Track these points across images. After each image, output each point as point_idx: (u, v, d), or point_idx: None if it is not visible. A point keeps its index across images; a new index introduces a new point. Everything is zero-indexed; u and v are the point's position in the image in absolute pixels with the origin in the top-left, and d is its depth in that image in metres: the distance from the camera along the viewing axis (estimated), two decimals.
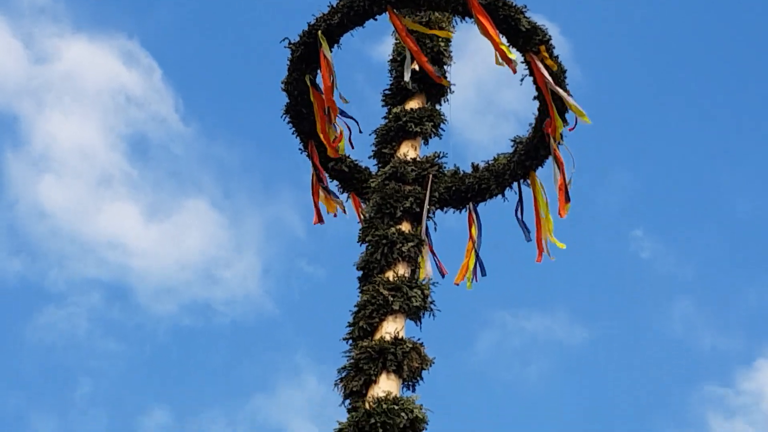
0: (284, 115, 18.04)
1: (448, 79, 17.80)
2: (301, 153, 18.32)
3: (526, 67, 17.07)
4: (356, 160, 18.21)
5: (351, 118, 17.83)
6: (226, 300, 38.65)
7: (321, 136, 17.49)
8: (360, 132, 17.85)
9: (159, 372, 38.21)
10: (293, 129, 18.13)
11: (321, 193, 18.33)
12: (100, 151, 39.55)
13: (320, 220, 18.56)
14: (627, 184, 40.60)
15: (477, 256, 17.63)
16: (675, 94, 42.32)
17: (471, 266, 17.57)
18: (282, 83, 17.85)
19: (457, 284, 17.55)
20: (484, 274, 17.75)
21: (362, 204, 18.10)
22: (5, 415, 36.13)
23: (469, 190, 17.58)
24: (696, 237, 40.50)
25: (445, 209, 17.53)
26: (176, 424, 36.41)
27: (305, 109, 17.76)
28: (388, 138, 17.36)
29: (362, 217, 17.85)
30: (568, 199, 17.25)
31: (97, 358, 37.54)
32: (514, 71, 16.64)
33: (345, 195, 18.51)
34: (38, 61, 40.72)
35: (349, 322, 15.59)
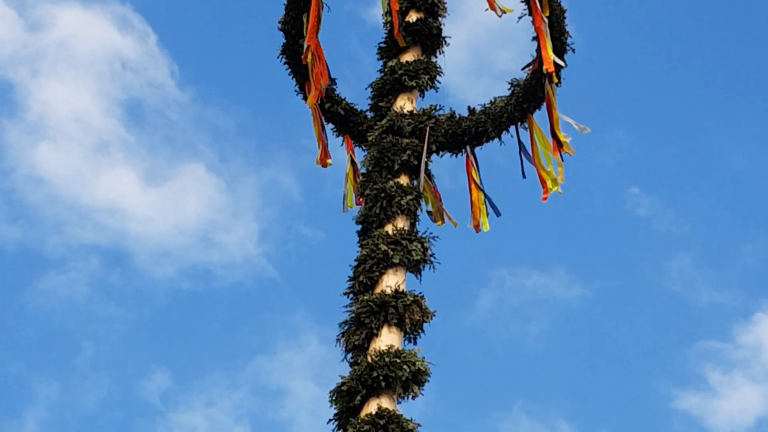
0: (280, 56, 17.89)
1: (443, 31, 17.69)
2: (297, 94, 18.22)
3: (525, 6, 16.94)
4: (352, 104, 18.06)
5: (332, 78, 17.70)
6: (225, 264, 38.74)
7: (311, 78, 17.32)
8: (335, 86, 17.71)
9: (159, 336, 38.41)
10: (289, 70, 17.98)
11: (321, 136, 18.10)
12: (96, 117, 39.55)
13: (326, 156, 18.32)
14: (622, 143, 40.68)
15: (486, 195, 17.49)
16: (668, 52, 42.39)
17: (482, 207, 17.43)
18: (279, 22, 17.76)
19: (477, 229, 17.36)
20: (498, 214, 17.63)
21: (355, 148, 18.00)
22: (7, 382, 36.27)
23: (465, 133, 17.38)
24: (692, 194, 40.62)
25: (441, 153, 17.37)
26: (177, 387, 36.59)
27: (301, 49, 17.55)
28: (384, 91, 17.31)
29: (350, 159, 17.86)
30: (559, 143, 17.13)
31: (98, 323, 37.68)
32: (499, 16, 16.55)
33: (340, 138, 18.35)
34: (32, 28, 40.67)
35: (349, 277, 15.62)
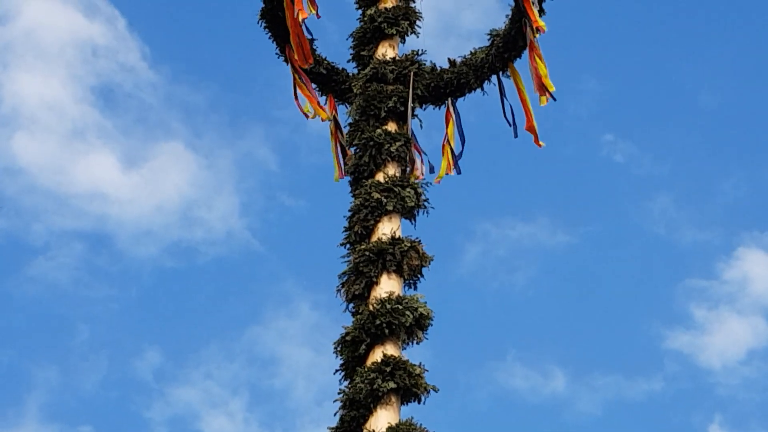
0: (260, 20, 17.77)
1: None
2: (278, 57, 18.05)
3: None
4: (333, 62, 17.94)
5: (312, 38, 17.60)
6: (208, 239, 38.79)
7: (293, 43, 17.22)
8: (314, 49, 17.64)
9: (148, 314, 38.43)
10: (269, 34, 17.83)
11: (305, 93, 17.96)
12: (69, 104, 39.42)
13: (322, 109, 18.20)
14: (594, 92, 40.82)
15: (452, 152, 17.47)
16: None
17: (449, 163, 17.41)
18: None
19: (438, 183, 17.37)
20: (458, 172, 17.62)
21: (338, 106, 17.92)
22: (4, 371, 36.27)
23: (447, 85, 17.31)
24: (666, 135, 40.86)
25: (424, 106, 17.28)
26: (171, 363, 36.66)
27: (281, 12, 17.42)
28: (365, 40, 17.21)
29: (331, 118, 17.75)
30: (545, 91, 17.07)
31: (91, 305, 37.67)
32: None
33: (323, 98, 18.22)
34: None
35: (344, 227, 15.59)
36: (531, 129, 17.39)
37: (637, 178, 40.25)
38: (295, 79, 17.89)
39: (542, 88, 17.05)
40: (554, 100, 17.15)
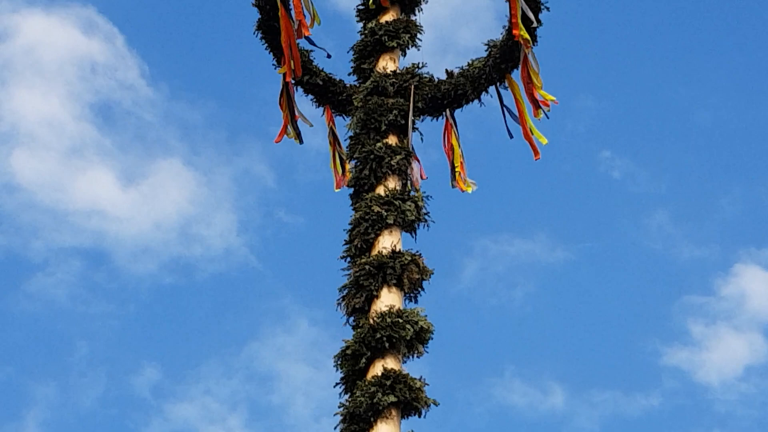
0: (256, 32, 17.75)
1: None
2: (275, 68, 18.01)
3: None
4: (330, 74, 17.93)
5: (319, 47, 17.60)
6: (206, 256, 38.81)
7: (288, 54, 17.18)
8: (329, 57, 17.65)
9: (146, 331, 38.40)
10: (266, 45, 17.81)
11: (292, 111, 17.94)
12: (68, 121, 39.45)
13: (297, 136, 18.15)
14: (592, 109, 40.91)
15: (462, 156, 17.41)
16: (628, 14, 42.57)
17: (464, 171, 17.36)
18: None
19: (463, 190, 17.25)
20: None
21: (335, 118, 17.89)
22: (3, 387, 36.21)
23: (445, 96, 17.28)
24: (663, 152, 40.98)
25: (421, 117, 17.24)
26: (169, 379, 36.62)
27: (277, 23, 17.42)
28: (366, 53, 17.21)
29: (330, 131, 17.72)
30: (537, 105, 17.04)
31: (90, 321, 37.65)
32: None
33: (320, 109, 18.20)
34: None
35: (344, 240, 15.55)
36: (529, 140, 17.34)
37: (635, 194, 40.37)
38: (282, 93, 17.88)
39: (535, 103, 17.05)
40: (547, 117, 17.15)
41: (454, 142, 17.32)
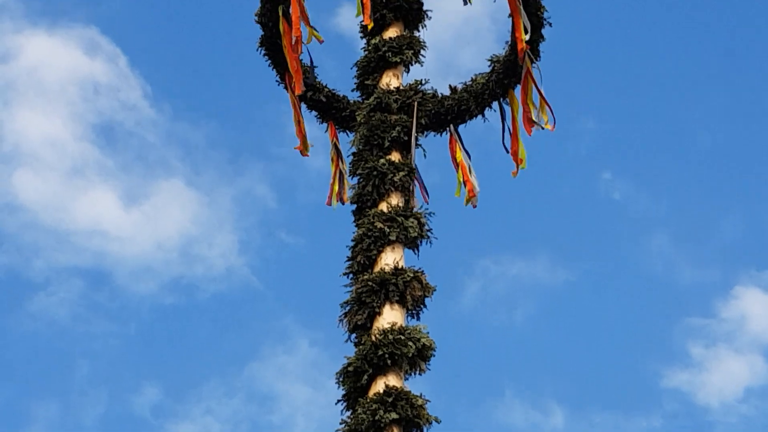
0: (259, 48, 17.75)
1: (423, 3, 17.58)
2: (279, 84, 18.04)
3: None
4: (334, 90, 17.91)
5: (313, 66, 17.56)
6: (208, 276, 38.81)
7: (291, 71, 17.19)
8: (315, 77, 17.58)
9: (147, 351, 38.38)
10: (269, 61, 17.82)
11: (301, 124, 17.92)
12: (70, 142, 39.49)
13: (305, 148, 18.13)
14: (592, 131, 40.96)
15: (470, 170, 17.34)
16: (629, 36, 42.72)
17: (475, 184, 17.29)
18: (255, 15, 17.59)
19: (474, 205, 17.20)
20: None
21: (339, 134, 17.85)
22: (4, 406, 36.13)
23: (448, 112, 17.27)
24: (664, 175, 41.06)
25: (425, 133, 17.22)
26: (170, 399, 36.57)
27: (280, 40, 17.48)
28: (370, 69, 17.18)
29: (333, 146, 17.71)
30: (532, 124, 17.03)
31: (91, 340, 37.63)
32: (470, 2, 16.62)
33: (324, 125, 18.16)
34: (1, 60, 40.55)
35: (347, 257, 15.49)
36: (514, 154, 17.31)
37: (635, 216, 40.39)
38: (294, 105, 17.84)
39: (529, 122, 17.04)
40: (542, 127, 17.08)
41: (459, 156, 17.27)
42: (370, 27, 17.18)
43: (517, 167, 17.35)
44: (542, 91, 17.01)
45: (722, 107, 41.74)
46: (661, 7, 42.73)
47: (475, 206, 17.12)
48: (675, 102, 41.88)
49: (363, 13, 16.88)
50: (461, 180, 17.13)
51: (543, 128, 17.05)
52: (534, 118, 16.94)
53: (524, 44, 16.48)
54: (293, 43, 16.91)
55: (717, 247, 39.94)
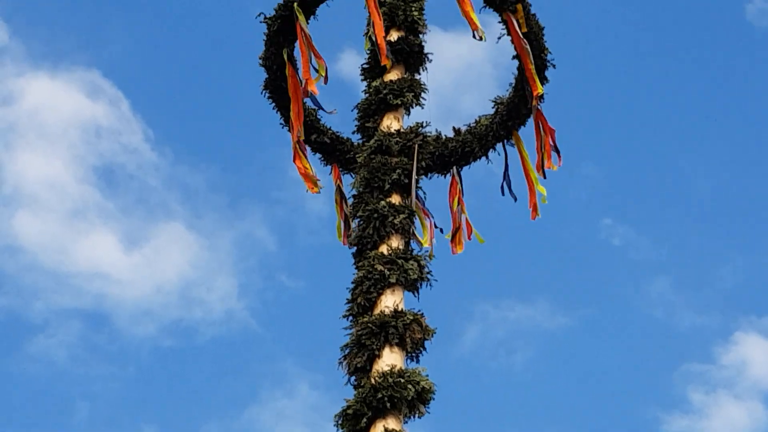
0: (263, 91, 17.82)
1: (424, 46, 17.61)
2: (283, 127, 18.09)
3: (504, 26, 16.96)
4: (338, 132, 18.02)
5: (322, 108, 17.60)
6: (207, 319, 38.82)
7: (293, 116, 17.25)
8: (332, 113, 17.62)
9: (147, 393, 38.29)
10: (273, 104, 17.91)
11: (304, 164, 17.90)
12: (70, 184, 39.57)
13: (314, 185, 18.13)
14: (592, 176, 41.08)
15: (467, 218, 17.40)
16: (628, 84, 42.92)
17: (470, 228, 17.34)
18: (260, 58, 17.68)
19: (456, 254, 17.28)
20: (468, 238, 17.55)
21: (343, 176, 17.87)
22: None
23: (452, 154, 17.32)
24: (664, 220, 41.22)
25: (429, 175, 17.28)
26: None
27: (284, 83, 17.59)
28: (370, 112, 17.18)
29: (337, 189, 17.79)
30: (558, 154, 17.13)
31: (90, 383, 37.57)
32: (481, 37, 16.61)
33: (328, 167, 18.21)
34: (3, 102, 40.69)
35: (347, 299, 15.47)
36: (532, 196, 17.40)
37: (635, 262, 40.47)
38: (296, 149, 17.85)
39: (541, 167, 17.12)
40: (544, 177, 17.18)
41: (455, 201, 17.30)
42: (389, 66, 17.22)
43: (534, 212, 17.41)
44: (554, 133, 17.12)
45: (722, 153, 41.96)
46: (660, 54, 43.03)
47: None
48: (675, 148, 42.10)
49: (380, 55, 16.90)
50: (469, 228, 17.23)
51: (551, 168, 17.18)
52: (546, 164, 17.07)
53: (540, 90, 16.59)
54: (302, 86, 16.98)
55: (717, 293, 40.02)
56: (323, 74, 16.77)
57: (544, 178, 17.46)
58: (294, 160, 17.80)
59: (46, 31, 43.00)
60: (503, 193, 17.70)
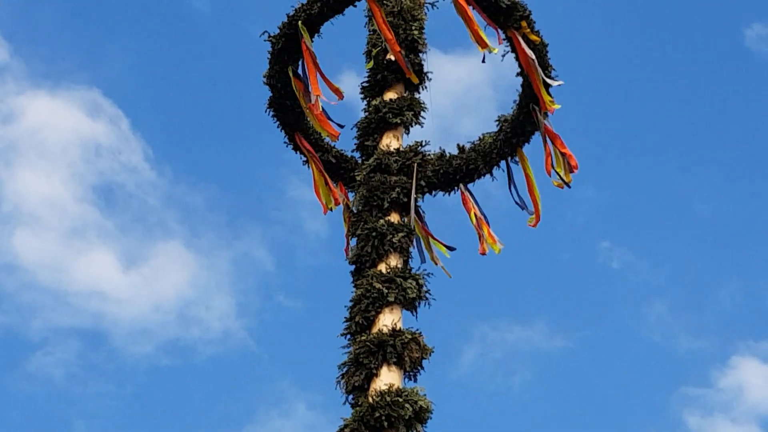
0: (268, 109, 17.86)
1: (424, 65, 17.63)
2: (287, 146, 18.10)
3: (508, 44, 16.97)
4: (342, 150, 18.09)
5: (337, 123, 17.60)
6: (206, 339, 38.73)
7: (315, 123, 17.27)
8: (341, 127, 17.64)
9: (144, 412, 38.21)
10: (277, 122, 17.94)
11: (323, 180, 17.93)
12: (70, 203, 39.55)
13: (329, 207, 18.18)
14: (591, 199, 41.11)
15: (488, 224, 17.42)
16: (629, 105, 42.99)
17: (490, 233, 17.35)
18: (264, 77, 17.73)
19: (484, 254, 17.30)
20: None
21: (348, 193, 17.88)
22: None
23: (457, 171, 17.37)
24: (662, 244, 41.27)
25: (433, 192, 17.33)
26: None
27: (289, 101, 17.57)
28: (370, 130, 17.19)
29: (343, 205, 17.86)
30: (572, 168, 17.15)
31: (87, 401, 37.46)
32: (492, 50, 16.61)
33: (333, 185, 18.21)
34: (4, 121, 40.69)
35: (345, 318, 15.43)
36: (537, 215, 17.45)
37: (633, 285, 40.47)
38: (312, 167, 17.88)
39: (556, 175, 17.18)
40: (569, 187, 17.23)
41: (472, 214, 17.32)
42: (415, 81, 17.21)
43: (536, 221, 17.47)
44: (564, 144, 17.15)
45: (721, 177, 41.99)
46: (659, 79, 43.09)
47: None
48: (674, 172, 42.15)
49: (405, 70, 16.92)
50: (485, 233, 17.24)
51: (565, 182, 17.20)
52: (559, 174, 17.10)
53: (552, 105, 16.62)
54: (313, 102, 16.98)
55: (715, 317, 40.00)
56: (339, 91, 16.83)
57: (569, 186, 17.39)
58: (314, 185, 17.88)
59: (47, 49, 43.08)
60: (522, 208, 17.71)
